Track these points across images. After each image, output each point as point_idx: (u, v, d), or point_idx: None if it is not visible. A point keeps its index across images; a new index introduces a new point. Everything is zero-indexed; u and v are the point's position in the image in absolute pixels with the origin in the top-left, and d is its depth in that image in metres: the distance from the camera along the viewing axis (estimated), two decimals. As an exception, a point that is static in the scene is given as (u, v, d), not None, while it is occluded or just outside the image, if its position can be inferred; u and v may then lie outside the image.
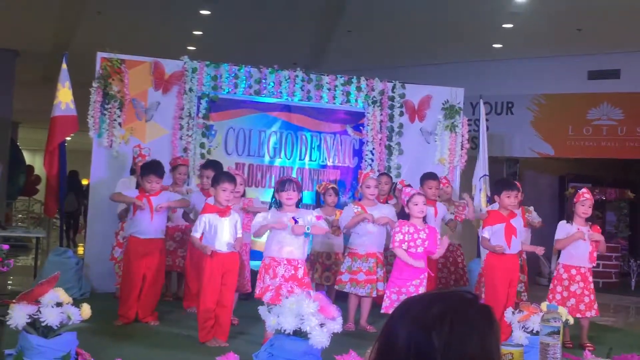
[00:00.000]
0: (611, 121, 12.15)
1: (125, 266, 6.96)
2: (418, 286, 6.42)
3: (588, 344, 6.80)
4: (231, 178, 6.36)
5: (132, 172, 8.05)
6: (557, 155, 12.81)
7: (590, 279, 6.95)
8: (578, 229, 6.87)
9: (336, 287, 7.40)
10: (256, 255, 7.48)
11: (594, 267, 7.02)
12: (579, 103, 12.35)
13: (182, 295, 7.98)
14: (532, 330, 5.55)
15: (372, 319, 7.37)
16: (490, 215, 6.99)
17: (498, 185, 7.24)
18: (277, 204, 6.38)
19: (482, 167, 9.73)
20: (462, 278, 8.59)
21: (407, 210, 6.60)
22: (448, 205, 8.34)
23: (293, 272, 6.21)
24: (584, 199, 6.91)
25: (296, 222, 6.23)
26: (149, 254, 6.78)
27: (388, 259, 7.79)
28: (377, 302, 7.82)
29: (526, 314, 5.69)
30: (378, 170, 9.24)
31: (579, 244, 6.85)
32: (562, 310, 5.33)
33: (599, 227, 7.09)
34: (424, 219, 6.68)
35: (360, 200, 7.64)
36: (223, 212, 6.22)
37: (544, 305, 5.65)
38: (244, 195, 7.32)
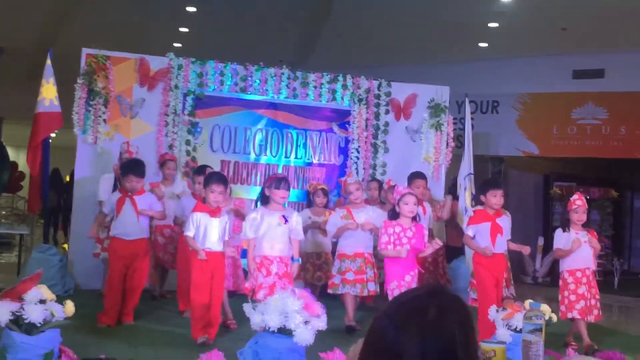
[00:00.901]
0: (595, 120, 12.22)
1: (110, 267, 6.89)
2: (410, 282, 6.43)
3: (573, 343, 6.84)
4: (220, 179, 6.36)
5: None
6: (541, 154, 12.87)
7: (594, 282, 6.99)
8: (576, 234, 6.90)
9: (330, 291, 7.36)
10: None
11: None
12: (564, 102, 12.42)
13: (163, 292, 8.01)
14: (516, 328, 5.58)
15: (358, 317, 7.37)
16: (476, 214, 7.01)
17: (484, 184, 7.25)
18: (265, 201, 6.39)
19: (467, 165, 9.74)
20: (442, 277, 8.60)
21: (397, 209, 6.60)
22: (431, 204, 8.36)
23: (285, 269, 6.30)
24: (576, 207, 6.95)
25: (286, 221, 6.31)
26: (133, 254, 6.73)
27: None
28: (365, 302, 7.85)
29: (510, 312, 5.71)
30: (370, 175, 9.29)
31: (581, 247, 6.88)
32: (546, 308, 5.35)
33: (595, 233, 7.11)
34: (414, 218, 6.67)
35: (344, 201, 7.66)
36: (214, 212, 6.23)
37: (527, 303, 5.68)
38: (230, 194, 7.31)
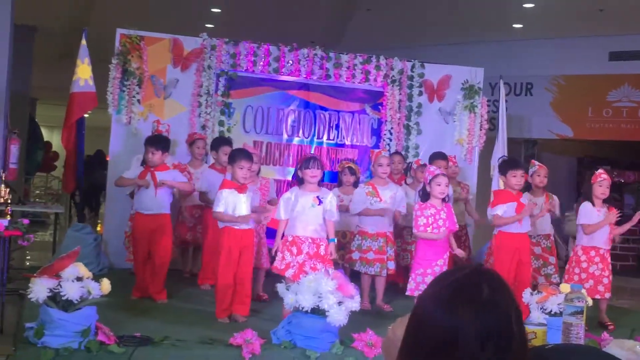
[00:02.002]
0: (631, 103, 12.04)
1: (132, 242, 7.04)
2: (442, 266, 6.40)
3: (609, 322, 6.78)
4: (248, 156, 6.37)
5: None
6: (576, 137, 12.71)
7: (609, 260, 6.91)
8: (598, 211, 6.81)
9: (346, 264, 7.41)
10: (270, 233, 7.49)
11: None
12: (599, 84, 12.23)
13: (198, 271, 8.06)
14: (551, 311, 5.54)
15: (388, 298, 7.38)
16: (500, 194, 6.94)
17: (503, 165, 7.18)
18: (300, 181, 6.40)
19: (500, 148, 9.68)
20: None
21: (428, 189, 6.56)
22: (454, 186, 8.27)
23: (316, 249, 6.30)
24: (602, 180, 6.83)
25: (320, 202, 6.30)
26: (154, 230, 6.76)
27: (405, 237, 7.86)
28: (394, 281, 7.85)
29: (544, 295, 5.68)
30: (395, 150, 9.21)
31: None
32: (584, 292, 5.31)
33: (615, 209, 7.00)
34: (444, 198, 6.64)
35: (371, 178, 7.62)
36: (241, 188, 6.23)
37: (563, 287, 5.64)
38: (258, 173, 7.32)
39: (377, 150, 7.86)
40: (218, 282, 6.26)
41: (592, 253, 6.83)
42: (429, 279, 6.21)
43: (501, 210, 6.79)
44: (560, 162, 14.16)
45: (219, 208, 6.19)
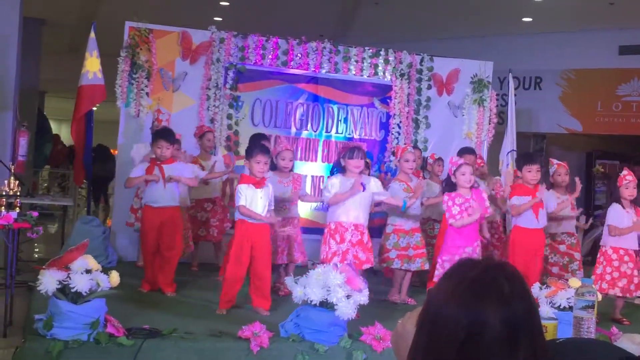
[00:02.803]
0: (641, 97, 11.98)
1: (141, 235, 7.02)
2: (471, 253, 6.37)
3: (624, 319, 6.79)
4: (265, 150, 6.39)
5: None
6: (585, 131, 12.66)
7: (638, 259, 6.92)
8: (627, 213, 6.82)
9: (383, 264, 7.36)
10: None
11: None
12: (609, 78, 12.18)
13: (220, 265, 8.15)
14: (560, 305, 5.53)
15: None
16: (517, 188, 6.95)
17: (519, 160, 7.23)
18: (342, 170, 6.44)
19: (509, 142, 9.66)
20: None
21: (453, 180, 6.55)
22: (486, 181, 8.27)
23: (359, 237, 6.33)
24: (627, 182, 6.86)
25: (364, 188, 6.33)
26: (163, 223, 6.75)
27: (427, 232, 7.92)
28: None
29: (553, 290, 5.66)
30: (405, 144, 9.20)
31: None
32: (594, 286, 5.30)
33: None
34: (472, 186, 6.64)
35: (396, 174, 7.64)
36: (259, 183, 6.25)
37: (572, 281, 5.62)
38: (292, 169, 7.29)
39: (402, 146, 7.85)
40: (226, 274, 6.27)
41: (622, 252, 6.84)
42: None
43: (518, 200, 6.82)
44: (569, 157, 14.08)
45: (242, 202, 6.20)
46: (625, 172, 7.00)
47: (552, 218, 7.22)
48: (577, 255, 7.57)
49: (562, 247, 7.49)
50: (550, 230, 7.41)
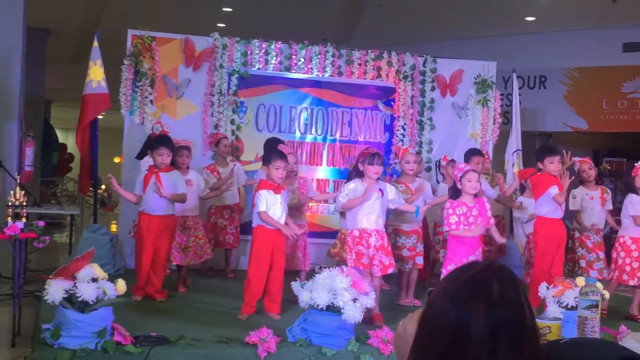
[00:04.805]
0: (647, 94, 11.95)
1: (137, 242, 6.94)
2: None
3: (639, 316, 6.80)
4: (283, 156, 6.42)
5: (146, 150, 8.12)
6: (591, 129, 12.63)
7: None
8: None
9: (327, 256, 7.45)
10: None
11: None
12: (614, 76, 12.14)
13: (227, 271, 8.31)
14: (567, 305, 5.52)
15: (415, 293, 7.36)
16: (543, 178, 6.91)
17: (540, 151, 7.23)
18: (360, 175, 6.43)
19: (514, 142, 9.64)
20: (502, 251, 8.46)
21: (459, 186, 6.51)
22: (491, 178, 8.26)
23: (381, 241, 6.33)
24: None
25: (383, 194, 6.33)
26: (160, 231, 6.74)
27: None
28: (419, 277, 7.83)
29: (561, 289, 5.65)
30: (409, 147, 9.19)
31: None
32: (599, 285, 5.28)
33: None
34: (476, 194, 6.58)
35: (398, 177, 7.63)
36: (278, 189, 6.29)
37: (579, 280, 5.61)
38: (297, 174, 7.34)
39: (404, 147, 7.87)
40: (249, 282, 6.29)
41: None
42: None
43: (553, 189, 6.78)
44: (576, 155, 14.03)
45: (263, 208, 6.23)
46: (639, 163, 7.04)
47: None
48: (602, 255, 7.58)
49: (589, 243, 7.50)
50: (583, 224, 7.51)
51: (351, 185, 6.46)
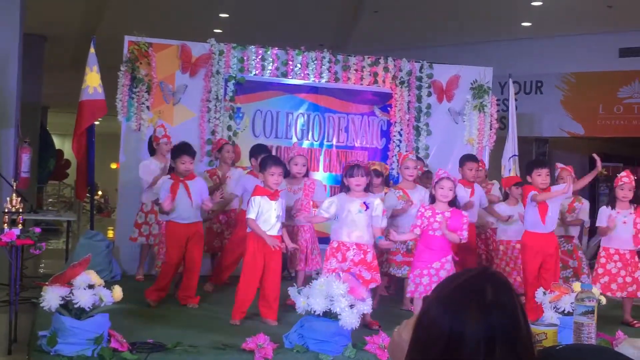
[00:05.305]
0: (643, 99, 11.97)
1: (167, 251, 6.91)
2: (439, 269, 6.20)
3: (634, 321, 6.80)
4: (278, 162, 6.43)
5: (152, 152, 8.11)
6: (587, 134, 12.66)
7: (633, 260, 6.92)
8: (618, 213, 6.84)
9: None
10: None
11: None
12: (610, 81, 12.18)
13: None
14: (564, 310, 5.52)
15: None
16: (530, 191, 6.92)
17: (529, 164, 7.23)
18: (347, 189, 6.36)
19: (511, 147, 9.66)
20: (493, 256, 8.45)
21: (433, 192, 6.49)
22: (483, 184, 8.26)
23: (362, 256, 6.20)
24: (622, 183, 6.92)
25: (367, 207, 6.19)
26: (190, 238, 6.78)
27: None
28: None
29: (557, 295, 5.65)
30: (406, 152, 9.19)
31: (619, 227, 6.83)
32: (595, 291, 5.28)
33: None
34: (454, 203, 6.53)
35: (398, 182, 7.61)
36: (273, 195, 6.27)
37: (575, 286, 5.61)
38: (307, 175, 7.31)
39: (404, 154, 7.84)
40: (240, 287, 6.29)
41: (612, 251, 6.92)
42: (425, 280, 6.19)
43: (536, 196, 6.78)
44: (572, 160, 14.07)
45: (253, 215, 6.22)
46: (623, 173, 7.05)
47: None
48: (573, 263, 7.60)
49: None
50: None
51: (332, 198, 6.45)
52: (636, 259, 6.92)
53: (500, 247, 7.92)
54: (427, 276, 6.21)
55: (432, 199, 6.47)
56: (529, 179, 7.00)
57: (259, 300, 6.35)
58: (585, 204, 7.92)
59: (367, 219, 6.22)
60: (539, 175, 6.79)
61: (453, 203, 6.42)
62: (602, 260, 6.94)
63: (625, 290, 6.87)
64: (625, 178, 6.94)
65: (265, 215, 6.24)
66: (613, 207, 6.94)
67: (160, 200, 6.82)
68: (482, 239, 8.32)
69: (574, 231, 7.77)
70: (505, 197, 8.32)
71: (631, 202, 6.94)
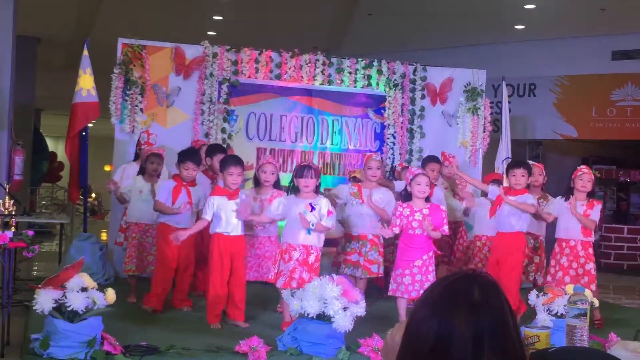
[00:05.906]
0: (636, 102, 12.02)
1: (159, 253, 6.87)
2: (421, 267, 6.26)
3: (596, 321, 6.75)
4: (237, 162, 6.39)
5: (136, 157, 8.04)
6: (580, 137, 12.70)
7: (586, 252, 6.89)
8: (570, 203, 6.83)
9: (333, 267, 7.40)
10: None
11: (592, 240, 6.97)
12: (603, 84, 12.22)
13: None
14: (557, 313, 5.53)
15: (371, 300, 7.22)
16: (507, 189, 6.98)
17: (507, 165, 7.34)
18: (296, 190, 6.36)
19: (504, 149, 9.68)
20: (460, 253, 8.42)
21: (409, 189, 6.50)
22: (452, 184, 8.18)
23: (305, 256, 6.16)
24: (582, 173, 6.93)
25: (313, 209, 6.17)
26: (184, 241, 6.72)
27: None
28: (376, 284, 7.79)
29: (550, 297, 5.66)
30: (406, 160, 9.26)
31: (569, 217, 6.85)
32: (587, 293, 5.29)
33: (594, 203, 6.95)
34: (428, 199, 6.56)
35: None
36: (232, 195, 6.24)
37: (569, 288, 5.62)
38: (277, 184, 6.94)
39: (369, 154, 7.75)
40: (210, 291, 6.24)
41: (564, 245, 6.93)
42: (407, 280, 6.25)
43: (492, 193, 7.02)
44: (565, 162, 14.12)
45: (208, 216, 6.25)
46: (583, 166, 7.13)
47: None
48: (536, 259, 7.60)
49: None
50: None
51: (278, 199, 6.40)
52: (590, 250, 6.90)
53: (477, 243, 7.88)
54: (408, 275, 6.26)
55: (407, 196, 6.48)
56: (507, 180, 7.10)
57: (228, 302, 6.31)
58: (551, 200, 7.75)
59: (314, 220, 6.17)
60: (514, 175, 6.85)
61: (428, 199, 6.51)
62: (557, 255, 6.94)
63: (578, 283, 6.83)
64: (585, 169, 7.01)
65: (225, 215, 6.20)
66: (567, 199, 6.92)
67: (158, 199, 6.78)
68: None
69: (537, 229, 7.69)
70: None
71: (588, 195, 6.94)
